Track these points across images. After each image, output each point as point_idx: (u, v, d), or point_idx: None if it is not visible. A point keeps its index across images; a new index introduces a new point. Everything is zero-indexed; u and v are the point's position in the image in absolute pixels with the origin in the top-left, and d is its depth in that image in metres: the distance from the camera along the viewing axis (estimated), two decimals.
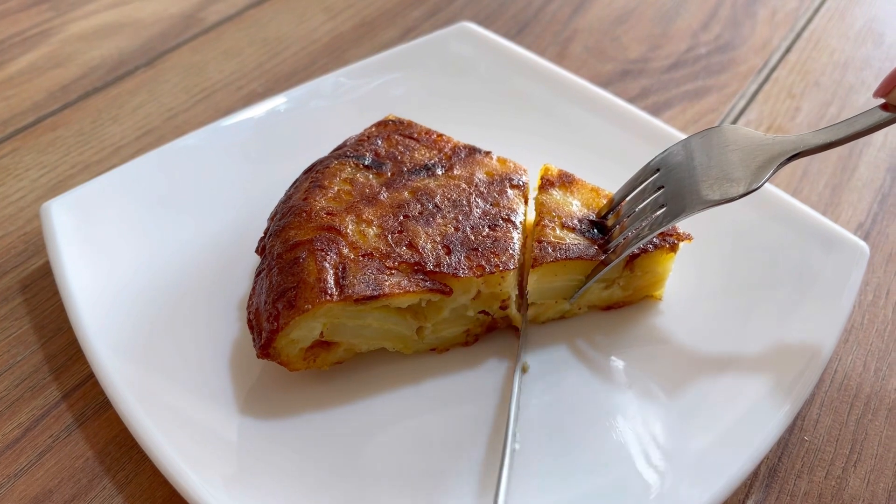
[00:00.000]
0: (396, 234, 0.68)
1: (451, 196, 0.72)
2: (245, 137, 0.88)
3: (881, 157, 0.96)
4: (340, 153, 0.76)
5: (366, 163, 0.75)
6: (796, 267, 0.75)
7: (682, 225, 0.72)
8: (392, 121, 0.80)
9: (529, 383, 0.69)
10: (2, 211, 0.87)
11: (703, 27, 1.18)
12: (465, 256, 0.67)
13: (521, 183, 0.75)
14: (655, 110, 1.02)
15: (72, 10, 1.18)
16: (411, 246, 0.67)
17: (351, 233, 0.68)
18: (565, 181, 0.76)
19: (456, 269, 0.66)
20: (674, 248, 0.71)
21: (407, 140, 0.78)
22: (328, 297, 0.62)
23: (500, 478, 0.59)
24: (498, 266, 0.67)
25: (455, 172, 0.75)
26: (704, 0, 1.23)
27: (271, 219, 0.73)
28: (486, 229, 0.70)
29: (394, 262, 0.66)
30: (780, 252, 0.76)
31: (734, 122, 1.01)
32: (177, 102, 1.02)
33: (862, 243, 0.74)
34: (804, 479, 0.65)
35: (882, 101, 0.61)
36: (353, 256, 0.66)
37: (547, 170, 0.77)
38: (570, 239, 0.70)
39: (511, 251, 0.68)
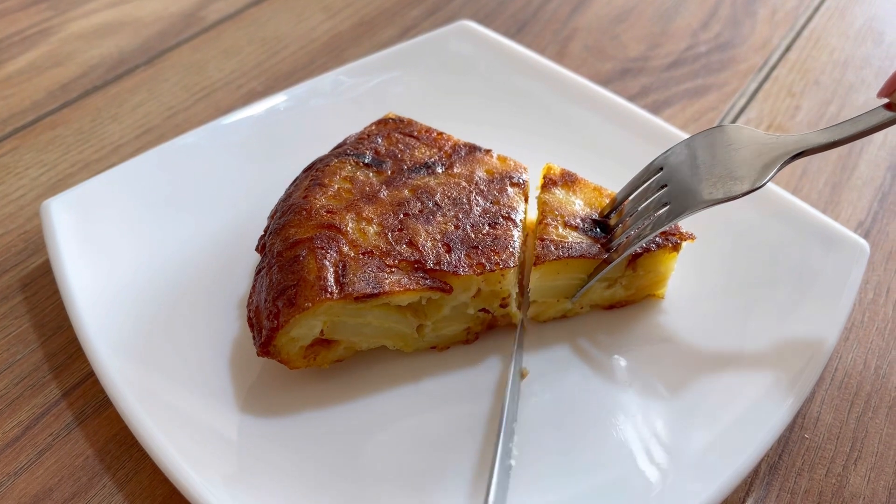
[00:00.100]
0: (396, 232, 0.68)
1: (452, 194, 0.72)
2: (245, 136, 0.88)
3: (881, 155, 0.96)
4: (340, 151, 0.76)
5: (366, 161, 0.75)
6: (797, 265, 0.75)
7: (684, 224, 0.72)
8: (392, 119, 0.80)
9: (530, 382, 0.69)
10: (2, 209, 0.87)
11: (702, 26, 1.18)
12: (465, 254, 0.67)
13: (521, 181, 0.75)
14: (655, 109, 1.02)
15: (71, 9, 1.18)
16: (411, 244, 0.67)
17: (351, 231, 0.68)
18: (568, 180, 0.76)
19: (456, 266, 0.66)
20: (676, 247, 0.71)
21: (407, 138, 0.78)
22: (328, 295, 0.62)
23: (490, 486, 0.58)
24: (498, 264, 0.67)
25: (455, 170, 0.75)
26: None
27: (271, 217, 0.73)
28: (487, 227, 0.70)
29: (394, 260, 0.66)
30: (781, 250, 0.76)
31: (734, 120, 1.01)
32: (177, 101, 1.02)
33: (862, 241, 0.74)
34: (805, 476, 0.65)
35: (885, 100, 0.61)
36: (353, 254, 0.66)
37: (549, 169, 0.77)
38: (573, 237, 0.70)
39: (511, 249, 0.68)
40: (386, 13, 1.19)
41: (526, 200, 0.75)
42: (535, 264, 0.69)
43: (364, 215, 0.69)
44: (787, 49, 1.14)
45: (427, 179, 0.73)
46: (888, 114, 0.61)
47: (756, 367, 0.68)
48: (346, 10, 1.19)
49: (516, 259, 0.68)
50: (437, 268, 0.66)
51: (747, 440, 0.61)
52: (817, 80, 1.08)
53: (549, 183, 0.75)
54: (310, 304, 0.62)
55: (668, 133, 0.86)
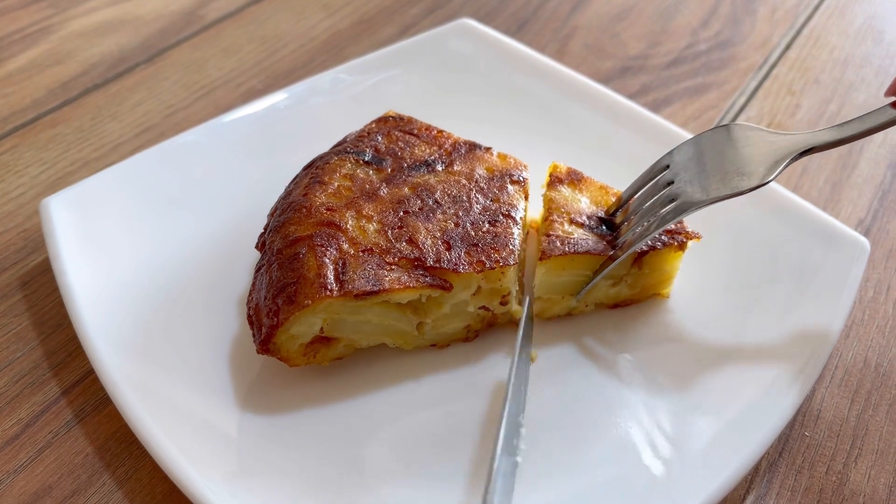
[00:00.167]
0: (396, 230, 0.68)
1: (452, 192, 0.72)
2: (245, 134, 0.88)
3: (882, 153, 0.96)
4: (340, 149, 0.76)
5: (366, 159, 0.75)
6: (797, 263, 0.75)
7: (690, 223, 0.72)
8: (392, 117, 0.80)
9: (535, 380, 0.69)
10: (1, 207, 0.87)
11: (702, 24, 1.18)
12: (465, 252, 0.67)
13: (521, 179, 0.75)
14: (655, 107, 1.01)
15: (71, 8, 1.18)
16: (411, 241, 0.67)
17: (351, 228, 0.67)
18: (574, 178, 0.76)
19: (456, 264, 0.66)
20: (682, 246, 0.71)
21: (407, 136, 0.78)
22: (328, 293, 0.62)
23: (490, 483, 0.55)
24: (498, 261, 0.67)
25: (455, 168, 0.75)
26: None
27: (271, 215, 0.73)
28: (487, 225, 0.70)
29: (394, 258, 0.66)
30: (782, 248, 0.76)
31: (734, 119, 1.01)
32: (176, 99, 1.02)
33: (862, 239, 0.74)
34: (805, 474, 0.65)
35: (892, 99, 0.62)
36: (352, 252, 0.66)
37: (556, 167, 0.77)
38: (579, 234, 0.70)
39: (511, 247, 0.68)
40: (385, 11, 1.18)
41: (526, 198, 0.75)
42: (540, 259, 0.69)
43: (364, 213, 0.69)
44: (787, 47, 1.14)
45: (427, 177, 0.73)
46: (894, 112, 0.61)
47: (757, 365, 0.68)
48: (346, 8, 1.19)
49: (516, 257, 0.68)
50: (437, 265, 0.66)
51: (748, 438, 0.61)
52: (817, 78, 1.08)
53: (555, 181, 0.75)
54: (310, 302, 0.62)
55: (669, 131, 0.86)
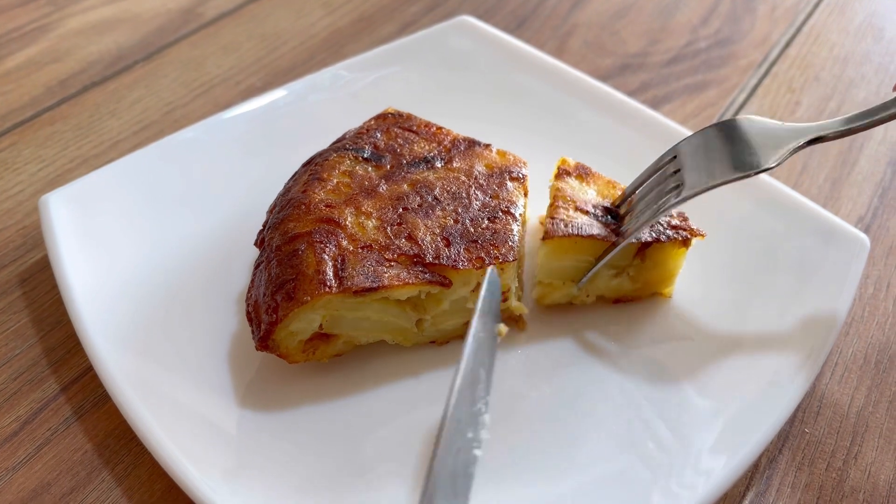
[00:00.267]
0: (396, 227, 0.68)
1: (451, 188, 0.72)
2: (244, 131, 0.88)
3: (881, 150, 0.96)
4: (339, 146, 0.76)
5: (365, 155, 0.74)
6: (797, 259, 0.74)
7: (691, 221, 0.72)
8: (391, 114, 0.80)
9: (533, 373, 0.69)
10: (0, 205, 0.87)
11: (702, 22, 1.18)
12: (464, 248, 0.67)
13: (520, 175, 0.75)
14: (655, 104, 1.01)
15: (70, 6, 1.17)
16: (410, 238, 0.67)
17: (350, 225, 0.67)
18: (582, 172, 0.76)
19: (455, 260, 0.66)
20: (686, 242, 0.71)
21: (406, 133, 0.77)
22: (327, 289, 0.62)
23: (428, 485, 0.46)
24: (497, 258, 0.66)
25: (454, 165, 0.74)
26: None
27: (270, 211, 0.73)
28: (486, 221, 0.69)
29: (393, 255, 0.66)
30: (781, 245, 0.76)
31: (735, 115, 1.01)
32: (175, 97, 1.02)
33: (862, 235, 0.74)
34: (805, 470, 0.65)
35: None
36: (352, 248, 0.66)
37: (564, 161, 0.77)
38: (584, 220, 0.70)
39: (510, 243, 0.68)
40: (385, 9, 1.18)
41: (525, 195, 0.75)
42: (543, 239, 0.69)
43: (363, 209, 0.69)
44: (787, 45, 1.13)
45: (426, 174, 0.73)
46: None
47: (757, 362, 0.68)
48: (346, 6, 1.19)
49: (515, 253, 0.68)
50: (437, 262, 0.65)
51: (748, 434, 0.61)
52: (817, 76, 1.08)
53: (563, 173, 0.75)
54: (309, 298, 0.62)
55: (669, 128, 0.86)
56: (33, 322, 0.75)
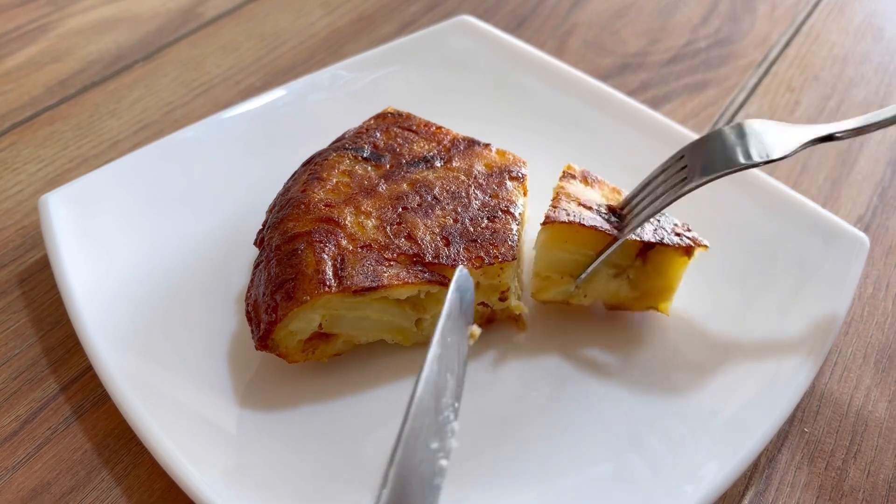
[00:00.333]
0: (395, 226, 0.68)
1: (450, 188, 0.72)
2: (244, 130, 0.88)
3: (881, 150, 0.96)
4: (339, 145, 0.76)
5: (364, 155, 0.74)
6: (796, 259, 0.74)
7: (690, 221, 0.72)
8: (391, 113, 0.80)
9: (533, 374, 0.69)
10: (0, 205, 0.87)
11: (702, 21, 1.18)
12: (463, 248, 0.67)
13: (520, 175, 0.75)
14: (655, 104, 1.01)
15: (69, 5, 1.17)
16: (410, 237, 0.67)
17: (349, 224, 0.67)
18: (587, 177, 0.74)
19: (455, 260, 0.66)
20: (689, 251, 0.69)
21: (406, 132, 0.77)
22: (326, 289, 0.62)
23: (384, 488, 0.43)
24: (497, 257, 0.66)
25: (454, 164, 0.74)
26: None
27: (270, 211, 0.73)
28: (485, 221, 0.69)
29: (392, 254, 0.66)
30: (781, 245, 0.76)
31: (734, 115, 1.01)
32: (175, 97, 1.02)
33: (862, 235, 0.74)
34: (804, 470, 0.65)
35: None
36: (351, 248, 0.66)
37: (570, 167, 0.75)
38: (586, 213, 0.69)
39: (510, 242, 0.68)
40: (385, 8, 1.18)
41: (525, 194, 0.75)
42: (543, 224, 0.67)
43: (362, 209, 0.69)
44: (787, 45, 1.13)
45: (426, 173, 0.73)
46: None
47: (756, 361, 0.68)
48: (345, 5, 1.19)
49: (515, 252, 0.68)
50: (436, 261, 0.66)
51: (747, 433, 0.61)
52: (817, 75, 1.08)
53: (567, 176, 0.74)
54: (308, 298, 0.62)
55: (668, 128, 0.86)
56: (33, 322, 0.75)
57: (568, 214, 0.68)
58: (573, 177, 0.74)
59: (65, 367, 0.71)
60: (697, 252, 0.70)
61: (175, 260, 0.76)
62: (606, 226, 0.68)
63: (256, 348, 0.64)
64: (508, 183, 0.74)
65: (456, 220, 0.69)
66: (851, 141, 0.97)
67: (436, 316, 0.68)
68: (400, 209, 0.69)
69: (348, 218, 0.68)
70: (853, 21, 1.18)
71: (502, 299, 0.69)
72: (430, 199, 0.71)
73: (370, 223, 0.68)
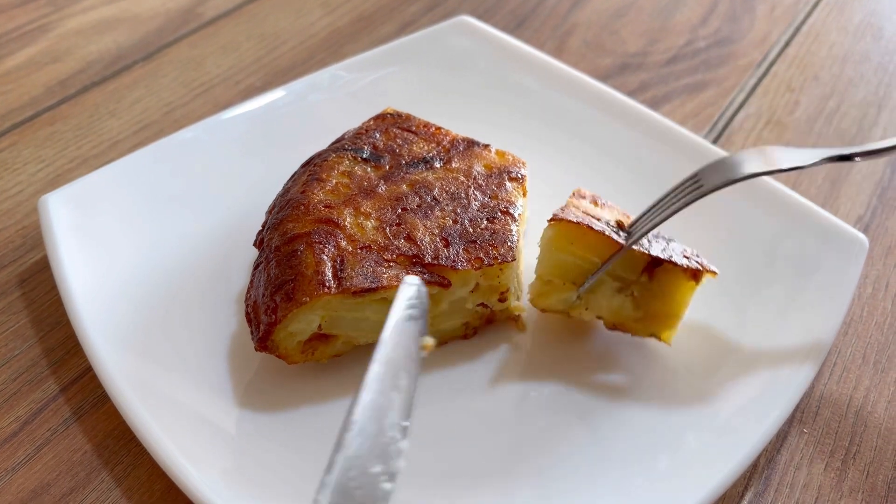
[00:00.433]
0: (395, 227, 0.68)
1: (450, 189, 0.72)
2: (243, 131, 0.88)
3: None
4: (338, 146, 0.76)
5: (364, 156, 0.74)
6: (796, 259, 0.75)
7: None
8: (390, 114, 0.80)
9: (525, 379, 0.69)
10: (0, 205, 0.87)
11: (701, 21, 1.18)
12: (463, 249, 0.67)
13: (519, 175, 0.75)
14: (654, 104, 1.01)
15: (69, 6, 1.17)
16: (409, 238, 0.67)
17: (349, 225, 0.67)
18: (597, 200, 0.72)
19: (454, 261, 0.66)
20: (696, 276, 0.66)
21: (405, 133, 0.77)
22: (326, 290, 0.62)
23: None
24: (496, 258, 0.67)
25: (453, 165, 0.74)
26: None
27: (269, 212, 0.73)
28: (485, 222, 0.69)
29: (392, 255, 0.66)
30: (781, 245, 0.76)
31: (733, 115, 1.01)
32: (175, 97, 1.02)
33: (861, 235, 0.74)
34: (803, 470, 0.65)
35: None
36: (351, 249, 0.66)
37: (580, 190, 0.73)
38: (594, 221, 0.67)
39: (510, 243, 0.68)
40: (384, 9, 1.18)
41: (524, 195, 0.75)
42: (550, 220, 0.66)
43: (362, 210, 0.69)
44: (787, 44, 1.13)
45: (425, 174, 0.73)
46: None
47: (755, 361, 0.68)
48: (345, 5, 1.19)
49: (514, 253, 0.68)
50: (436, 262, 0.66)
51: (746, 434, 0.61)
52: (816, 75, 1.08)
53: (577, 196, 0.72)
54: (308, 299, 0.62)
55: (668, 128, 0.86)
56: (33, 322, 0.75)
57: (576, 217, 0.66)
58: (583, 197, 0.72)
59: (64, 367, 0.71)
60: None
61: (175, 261, 0.76)
62: (615, 235, 0.66)
63: (256, 349, 0.64)
64: (508, 184, 0.74)
65: (455, 221, 0.69)
66: (851, 141, 0.97)
67: (435, 317, 0.68)
68: (399, 210, 0.69)
69: (348, 219, 0.68)
70: (853, 20, 1.18)
71: (502, 300, 0.69)
72: (429, 199, 0.71)
73: (370, 224, 0.68)
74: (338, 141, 0.78)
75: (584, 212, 0.69)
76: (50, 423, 0.67)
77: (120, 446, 0.66)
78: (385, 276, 0.64)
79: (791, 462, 0.66)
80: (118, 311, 0.70)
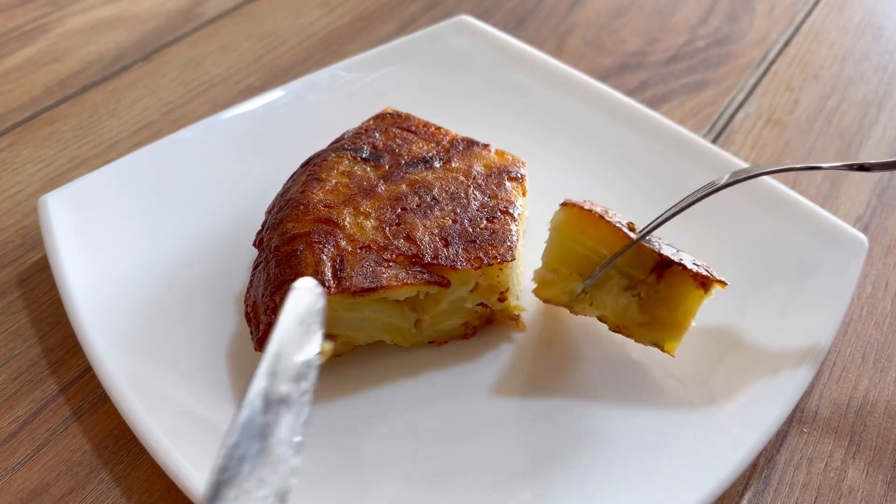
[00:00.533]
0: (394, 227, 0.68)
1: (449, 188, 0.72)
2: (243, 131, 0.88)
3: (880, 150, 0.96)
4: (338, 146, 0.76)
5: (363, 155, 0.74)
6: (795, 259, 0.75)
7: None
8: (390, 114, 0.80)
9: (524, 379, 0.69)
10: None
11: (701, 21, 1.18)
12: (462, 248, 0.67)
13: (519, 175, 0.75)
14: (654, 103, 1.01)
15: (69, 5, 1.17)
16: (409, 238, 0.67)
17: (348, 225, 0.67)
18: (608, 211, 0.70)
19: (454, 261, 0.66)
20: (706, 284, 0.64)
21: (405, 133, 0.77)
22: (325, 290, 0.62)
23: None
24: (496, 258, 0.67)
25: (453, 165, 0.74)
26: None
27: (269, 212, 0.73)
28: (484, 221, 0.69)
29: (391, 255, 0.66)
30: (780, 245, 0.76)
31: (733, 114, 1.01)
32: (174, 97, 1.02)
33: (861, 235, 0.74)
34: (803, 470, 0.65)
35: None
36: (350, 249, 0.66)
37: (590, 200, 0.71)
38: (606, 215, 0.67)
39: (509, 243, 0.68)
40: (384, 8, 1.18)
41: (524, 194, 0.75)
42: (562, 204, 0.65)
43: (361, 210, 0.69)
44: (786, 44, 1.13)
45: (425, 174, 0.73)
46: None
47: (755, 361, 0.68)
48: (345, 5, 1.19)
49: (514, 253, 0.68)
50: (435, 262, 0.66)
51: (746, 434, 0.61)
52: (816, 74, 1.08)
53: (588, 203, 0.70)
54: None
55: (667, 128, 0.86)
56: (32, 322, 0.75)
57: (588, 207, 0.66)
58: (594, 205, 0.70)
59: (64, 367, 0.71)
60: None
61: (174, 260, 0.76)
62: (626, 230, 0.66)
63: (256, 349, 0.64)
64: (507, 183, 0.74)
65: (455, 221, 0.69)
66: (850, 140, 0.97)
67: (435, 317, 0.68)
68: (399, 210, 0.69)
69: (347, 219, 0.68)
70: (852, 20, 1.18)
71: (501, 300, 0.69)
72: (429, 199, 0.71)
73: (369, 224, 0.68)
74: (337, 141, 0.78)
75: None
76: (49, 423, 0.67)
77: (119, 446, 0.66)
78: (385, 275, 0.64)
79: (791, 461, 0.66)
80: (118, 310, 0.70)
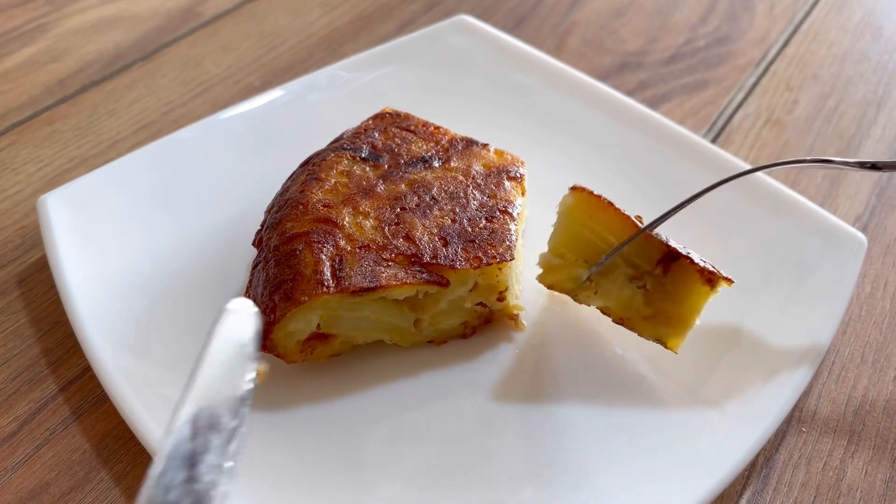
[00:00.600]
0: (393, 227, 0.68)
1: (448, 188, 0.72)
2: (242, 131, 0.88)
3: (879, 149, 0.96)
4: (337, 146, 0.76)
5: (363, 155, 0.74)
6: (794, 259, 0.75)
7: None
8: (389, 113, 0.80)
9: (523, 379, 0.69)
10: None
11: (701, 20, 1.18)
12: (462, 248, 0.67)
13: (518, 175, 0.75)
14: (653, 103, 1.01)
15: (68, 5, 1.17)
16: (408, 238, 0.67)
17: (348, 225, 0.67)
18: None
19: (453, 260, 0.66)
20: (712, 282, 0.64)
21: (404, 132, 0.77)
22: (325, 289, 0.62)
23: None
24: (495, 258, 0.67)
25: (452, 164, 0.74)
26: None
27: (268, 211, 0.73)
28: (483, 221, 0.70)
29: (391, 254, 0.66)
30: (779, 244, 0.76)
31: (733, 114, 1.01)
32: (174, 96, 1.02)
33: (860, 235, 0.74)
34: (802, 469, 0.65)
35: None
36: (349, 248, 0.66)
37: None
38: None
39: (508, 242, 0.68)
40: (384, 8, 1.18)
41: (523, 194, 0.75)
42: (571, 188, 0.65)
43: (361, 209, 0.69)
44: (786, 43, 1.13)
45: (424, 173, 0.73)
46: None
47: (754, 361, 0.68)
48: (344, 4, 1.19)
49: (513, 252, 0.68)
50: (434, 262, 0.66)
51: (745, 433, 0.61)
52: (815, 74, 1.08)
53: None
54: (306, 299, 0.62)
55: (667, 128, 0.86)
56: (31, 322, 0.75)
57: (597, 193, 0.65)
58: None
59: (63, 367, 0.71)
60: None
61: (174, 260, 0.76)
62: (633, 219, 0.66)
63: None
64: (507, 183, 0.74)
65: (454, 221, 0.69)
66: (850, 140, 0.97)
67: (434, 316, 0.68)
68: (398, 209, 0.69)
69: (346, 218, 0.68)
70: (852, 19, 1.18)
71: (500, 299, 0.69)
72: (428, 199, 0.71)
73: (368, 223, 0.68)
74: (336, 140, 0.78)
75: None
76: (49, 422, 0.67)
77: (119, 446, 0.66)
78: (384, 275, 0.64)
79: (790, 461, 0.66)
80: (117, 310, 0.70)
